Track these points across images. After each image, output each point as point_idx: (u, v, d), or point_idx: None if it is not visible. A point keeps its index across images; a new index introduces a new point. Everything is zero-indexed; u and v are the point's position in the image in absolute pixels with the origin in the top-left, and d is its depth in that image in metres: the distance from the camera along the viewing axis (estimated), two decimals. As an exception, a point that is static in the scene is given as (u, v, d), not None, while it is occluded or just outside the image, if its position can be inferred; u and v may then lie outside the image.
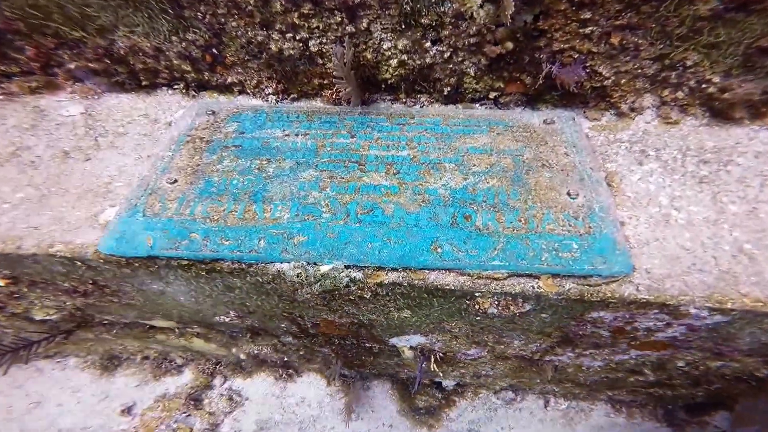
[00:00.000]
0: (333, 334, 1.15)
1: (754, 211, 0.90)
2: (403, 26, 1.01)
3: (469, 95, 1.17)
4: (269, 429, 1.44)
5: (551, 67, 1.02)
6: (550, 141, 1.05)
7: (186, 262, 0.87)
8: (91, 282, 1.00)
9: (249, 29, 1.06)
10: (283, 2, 0.98)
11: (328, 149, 1.06)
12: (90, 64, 1.19)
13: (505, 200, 0.92)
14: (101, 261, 0.90)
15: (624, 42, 0.97)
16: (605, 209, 0.89)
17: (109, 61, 1.19)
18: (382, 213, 0.91)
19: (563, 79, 1.02)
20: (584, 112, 1.15)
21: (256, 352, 1.34)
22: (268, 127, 1.13)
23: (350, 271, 0.85)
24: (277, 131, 1.12)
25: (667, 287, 0.80)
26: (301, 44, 1.08)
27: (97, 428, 1.43)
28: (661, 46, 0.97)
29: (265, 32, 1.06)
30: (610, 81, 1.06)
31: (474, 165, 1.01)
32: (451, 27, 0.99)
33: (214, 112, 1.18)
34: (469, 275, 0.84)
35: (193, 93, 1.27)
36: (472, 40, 1.00)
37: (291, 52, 1.10)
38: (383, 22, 1.01)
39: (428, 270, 0.85)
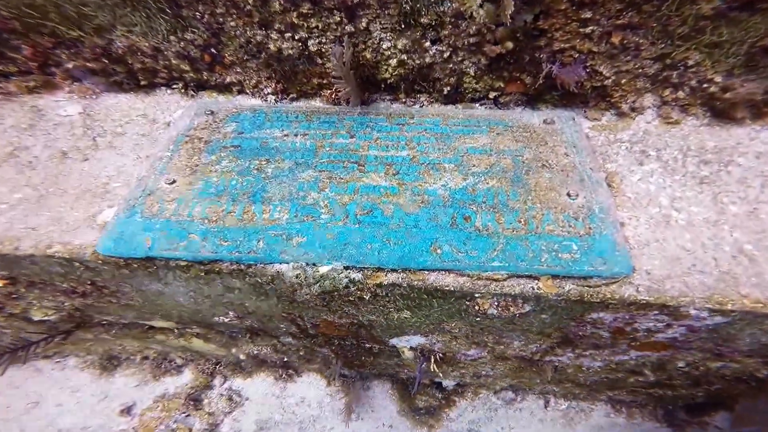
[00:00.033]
0: (333, 335, 1.14)
1: (755, 211, 0.90)
2: (403, 26, 1.00)
3: (469, 95, 1.17)
4: (269, 429, 1.44)
5: (551, 67, 1.02)
6: (550, 141, 1.05)
7: (185, 263, 0.87)
8: (89, 283, 1.00)
9: (248, 29, 1.06)
10: (282, 2, 0.98)
11: (328, 149, 1.06)
12: (88, 64, 1.19)
13: (504, 201, 0.92)
14: (99, 262, 0.90)
15: (625, 41, 0.97)
16: (605, 210, 0.89)
17: (107, 61, 1.18)
18: (381, 214, 0.90)
19: (563, 78, 1.02)
20: (584, 112, 1.14)
21: (255, 352, 1.34)
22: (267, 127, 1.12)
23: (349, 272, 0.85)
24: (276, 131, 1.11)
25: (667, 288, 0.80)
26: (300, 44, 1.07)
27: (97, 428, 1.43)
28: (663, 45, 0.97)
29: (264, 32, 1.06)
30: (610, 81, 1.05)
31: (473, 165, 1.00)
32: (450, 26, 0.99)
33: (212, 112, 1.17)
34: (468, 276, 0.84)
35: (192, 93, 1.26)
36: (471, 40, 1.00)
37: (290, 51, 1.09)
38: (382, 22, 1.01)
39: (428, 271, 0.84)
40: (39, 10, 1.06)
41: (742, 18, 0.89)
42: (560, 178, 0.96)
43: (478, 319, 0.93)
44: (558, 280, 0.82)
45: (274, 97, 1.23)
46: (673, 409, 1.37)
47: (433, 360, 1.17)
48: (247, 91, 1.25)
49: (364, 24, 1.01)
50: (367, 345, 1.20)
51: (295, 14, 1.00)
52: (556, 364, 1.16)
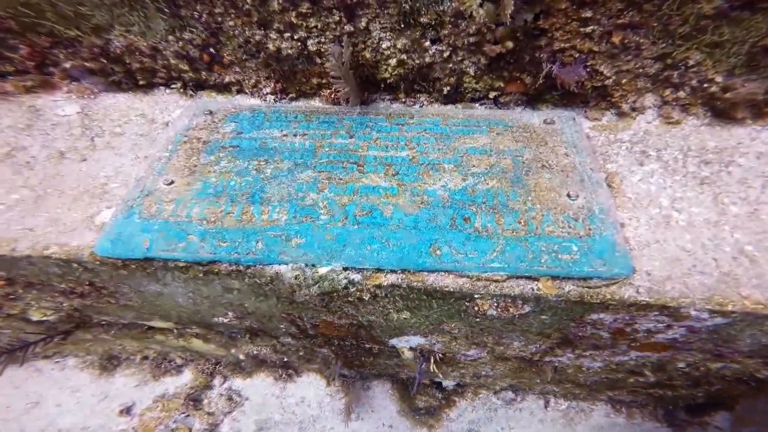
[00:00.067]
0: (332, 335, 1.14)
1: (756, 212, 0.89)
2: (402, 25, 1.00)
3: (469, 95, 1.16)
4: (269, 429, 1.44)
5: (552, 67, 1.01)
6: (550, 141, 1.05)
7: (183, 264, 0.87)
8: (87, 283, 1.00)
9: (246, 28, 1.05)
10: (281, 1, 0.97)
11: (327, 150, 1.05)
12: (86, 64, 1.18)
13: (504, 202, 0.91)
14: (97, 263, 0.89)
15: (625, 41, 0.96)
16: (605, 211, 0.89)
17: (105, 61, 1.17)
18: (380, 215, 0.90)
19: (564, 78, 1.01)
20: (585, 112, 1.14)
21: (255, 352, 1.34)
22: (266, 128, 1.12)
23: (349, 273, 0.85)
24: (275, 131, 1.11)
25: (668, 289, 0.80)
26: (299, 43, 1.07)
27: (96, 428, 1.43)
28: (663, 45, 0.96)
29: (263, 31, 1.05)
30: (611, 80, 1.05)
31: (473, 166, 1.00)
32: (450, 26, 0.98)
33: (211, 112, 1.17)
34: (468, 277, 0.83)
35: (191, 92, 1.26)
36: (471, 40, 0.99)
37: (289, 51, 1.08)
38: (382, 21, 1.00)
39: (427, 272, 0.84)
40: (35, 9, 1.06)
41: (744, 17, 0.89)
42: (560, 178, 0.96)
43: (478, 319, 0.93)
44: (558, 281, 0.82)
45: (273, 97, 1.23)
46: (673, 410, 1.37)
47: (432, 360, 1.17)
48: (246, 91, 1.24)
49: (363, 23, 1.01)
50: (367, 345, 1.20)
51: (294, 14, 1.00)
52: (556, 364, 1.16)
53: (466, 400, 1.46)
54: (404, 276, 0.84)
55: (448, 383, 1.45)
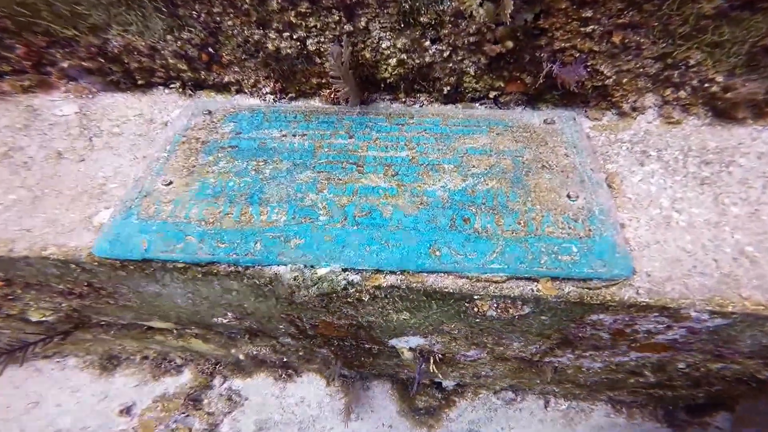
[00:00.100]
0: (332, 336, 1.14)
1: (756, 213, 0.89)
2: (402, 25, 0.99)
3: (469, 94, 1.16)
4: (269, 429, 1.44)
5: (552, 66, 1.01)
6: (551, 141, 1.04)
7: (182, 265, 0.87)
8: (86, 284, 0.99)
9: (245, 28, 1.05)
10: (280, 0, 0.97)
11: (326, 150, 1.05)
12: (84, 63, 1.18)
13: (504, 202, 0.91)
14: (95, 264, 0.89)
15: (626, 41, 0.96)
16: (605, 212, 0.88)
17: (103, 60, 1.17)
18: (380, 215, 0.90)
19: (564, 78, 1.01)
20: (585, 112, 1.14)
21: (255, 352, 1.34)
22: (265, 128, 1.11)
23: (348, 274, 0.84)
24: (274, 131, 1.10)
25: (668, 290, 0.80)
26: (298, 43, 1.06)
27: (96, 428, 1.43)
28: (664, 44, 0.96)
29: (262, 31, 1.05)
30: (611, 80, 1.04)
31: (473, 166, 0.99)
32: (450, 26, 0.98)
33: (210, 112, 1.16)
34: (467, 278, 0.83)
35: (190, 92, 1.25)
36: (471, 39, 0.99)
37: (288, 51, 1.08)
38: (382, 21, 1.00)
39: (427, 273, 0.84)
40: (30, 9, 1.05)
41: (744, 17, 0.88)
42: (560, 179, 0.95)
43: (478, 320, 0.92)
44: (557, 282, 0.81)
45: (272, 97, 1.22)
46: (673, 410, 1.37)
47: (432, 361, 1.17)
48: (246, 91, 1.24)
49: (363, 23, 1.00)
50: (367, 345, 1.19)
51: (293, 13, 0.99)
52: (556, 364, 1.16)
53: (466, 400, 1.46)
54: (404, 277, 0.84)
55: (448, 383, 1.45)
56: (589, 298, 0.81)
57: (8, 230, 0.92)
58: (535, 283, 0.82)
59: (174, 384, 1.51)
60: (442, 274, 0.84)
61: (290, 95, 1.23)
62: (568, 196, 0.91)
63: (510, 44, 0.97)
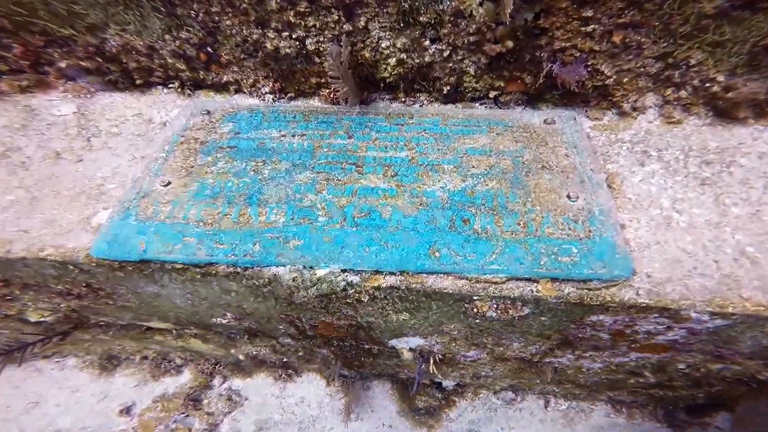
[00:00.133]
0: (331, 336, 1.14)
1: (757, 213, 0.89)
2: (402, 24, 0.99)
3: (469, 94, 1.15)
4: (268, 429, 1.44)
5: (552, 66, 1.00)
6: (551, 141, 1.04)
7: (180, 266, 0.86)
8: (84, 285, 0.99)
9: (244, 27, 1.04)
10: (279, 0, 0.96)
11: (325, 150, 1.05)
12: (81, 63, 1.17)
13: (504, 203, 0.91)
14: (93, 265, 0.89)
15: (626, 40, 0.95)
16: (605, 212, 0.88)
17: (101, 60, 1.16)
18: (379, 216, 0.89)
19: (564, 78, 1.00)
20: (585, 112, 1.13)
21: (254, 352, 1.34)
22: (264, 128, 1.11)
23: (347, 275, 0.84)
24: (273, 132, 1.10)
25: (668, 291, 0.79)
26: (297, 43, 1.06)
27: (96, 428, 1.43)
28: (665, 44, 0.95)
29: (261, 30, 1.04)
30: (611, 80, 1.04)
31: (473, 166, 0.99)
32: (450, 25, 0.97)
33: (209, 112, 1.16)
34: (467, 279, 0.83)
35: (189, 92, 1.25)
36: (471, 39, 0.98)
37: (287, 50, 1.07)
38: (381, 21, 0.99)
39: (426, 274, 0.83)
40: (27, 8, 1.04)
41: (745, 17, 0.88)
42: (560, 179, 0.95)
43: (478, 321, 0.92)
44: (557, 283, 0.81)
45: (271, 97, 1.22)
46: (673, 410, 1.36)
47: (432, 361, 1.17)
48: (245, 91, 1.23)
49: (362, 23, 1.00)
50: (367, 346, 1.19)
51: (292, 13, 0.99)
52: (556, 365, 1.16)
53: (466, 400, 1.46)
54: (403, 278, 0.84)
55: (448, 383, 1.45)
56: (589, 299, 0.80)
57: (6, 231, 0.92)
58: (535, 284, 0.81)
59: (174, 384, 1.51)
60: (442, 275, 0.83)
61: (289, 95, 1.23)
62: (568, 197, 0.91)
63: (510, 44, 0.97)
